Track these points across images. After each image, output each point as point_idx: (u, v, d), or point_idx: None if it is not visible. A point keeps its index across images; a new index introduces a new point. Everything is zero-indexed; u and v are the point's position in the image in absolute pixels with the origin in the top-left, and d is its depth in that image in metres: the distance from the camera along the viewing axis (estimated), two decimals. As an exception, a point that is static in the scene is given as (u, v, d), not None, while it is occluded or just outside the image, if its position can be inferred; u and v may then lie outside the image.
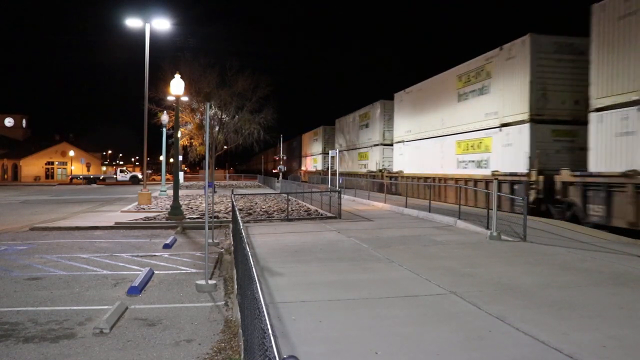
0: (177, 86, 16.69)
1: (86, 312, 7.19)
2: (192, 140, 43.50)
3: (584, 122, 14.77)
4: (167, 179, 46.59)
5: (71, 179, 67.00)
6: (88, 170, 75.85)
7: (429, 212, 16.78)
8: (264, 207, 21.20)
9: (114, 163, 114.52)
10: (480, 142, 20.57)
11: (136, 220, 18.13)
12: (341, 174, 39.74)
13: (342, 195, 18.77)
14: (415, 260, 9.38)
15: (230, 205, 20.41)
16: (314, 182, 41.27)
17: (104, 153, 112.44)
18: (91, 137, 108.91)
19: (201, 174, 76.78)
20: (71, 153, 76.92)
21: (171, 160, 58.72)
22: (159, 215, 19.13)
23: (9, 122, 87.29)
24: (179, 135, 23.91)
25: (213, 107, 40.06)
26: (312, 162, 58.71)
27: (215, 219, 16.28)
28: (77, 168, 76.14)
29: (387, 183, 27.54)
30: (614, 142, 13.37)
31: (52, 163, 78.14)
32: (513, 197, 16.72)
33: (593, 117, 14.17)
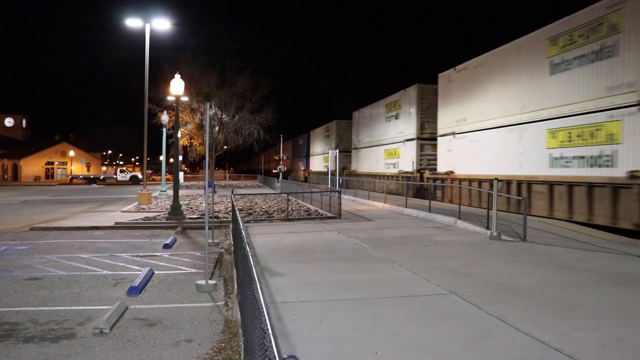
0: (177, 86, 16.70)
1: (86, 312, 7.19)
2: (192, 140, 43.47)
3: None
4: (167, 179, 46.58)
5: (71, 179, 67.02)
6: (88, 170, 75.89)
7: (429, 212, 16.78)
8: (264, 207, 21.20)
9: (114, 163, 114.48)
10: (598, 129, 14.63)
11: (136, 220, 18.13)
12: (359, 175, 36.49)
13: (342, 196, 18.77)
14: (415, 260, 9.37)
15: (230, 205, 20.41)
16: (325, 183, 35.91)
17: (104, 153, 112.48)
18: (91, 137, 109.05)
19: (201, 174, 76.86)
20: (71, 153, 76.95)
21: (171, 160, 58.77)
22: (159, 215, 19.13)
23: (9, 122, 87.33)
24: (179, 135, 23.90)
25: (213, 107, 40.04)
26: (322, 162, 51.96)
27: (215, 219, 16.28)
28: (77, 168, 76.17)
29: (430, 187, 22.39)
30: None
31: (52, 163, 78.17)
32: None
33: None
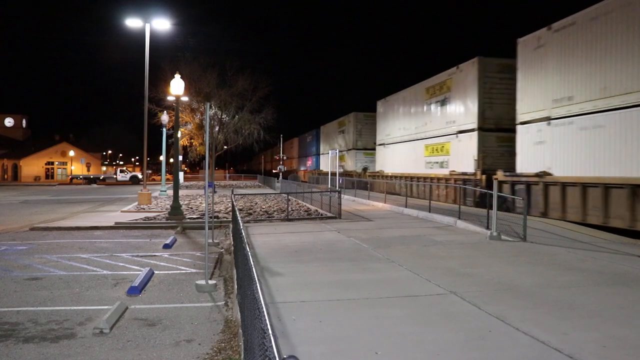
0: (177, 86, 16.71)
1: (86, 312, 7.19)
2: (192, 140, 43.51)
3: None
4: (167, 179, 46.59)
5: (71, 179, 67.05)
6: (88, 170, 75.91)
7: (429, 212, 16.78)
8: (264, 207, 21.20)
9: (114, 163, 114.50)
10: None
11: (136, 220, 18.13)
12: (387, 177, 30.50)
13: (342, 196, 18.78)
14: (415, 260, 9.37)
15: (230, 205, 20.42)
16: (350, 186, 30.33)
17: (104, 153, 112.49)
18: (91, 137, 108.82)
19: (201, 174, 76.89)
20: (71, 153, 76.99)
21: (171, 160, 58.80)
22: (159, 215, 19.13)
23: (9, 122, 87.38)
24: (179, 135, 23.92)
25: (213, 107, 40.07)
26: (336, 161, 43.45)
27: (215, 219, 16.28)
28: (77, 168, 76.20)
29: (514, 192, 17.46)
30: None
31: (52, 163, 78.21)
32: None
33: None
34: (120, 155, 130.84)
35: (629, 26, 13.57)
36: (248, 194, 27.04)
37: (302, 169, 63.35)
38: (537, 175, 16.76)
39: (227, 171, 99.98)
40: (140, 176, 61.59)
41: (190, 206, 22.60)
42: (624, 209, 13.06)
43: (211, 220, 12.96)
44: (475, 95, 21.28)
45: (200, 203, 24.38)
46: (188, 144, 44.14)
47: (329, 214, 17.82)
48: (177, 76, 16.75)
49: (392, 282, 7.61)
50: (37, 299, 7.89)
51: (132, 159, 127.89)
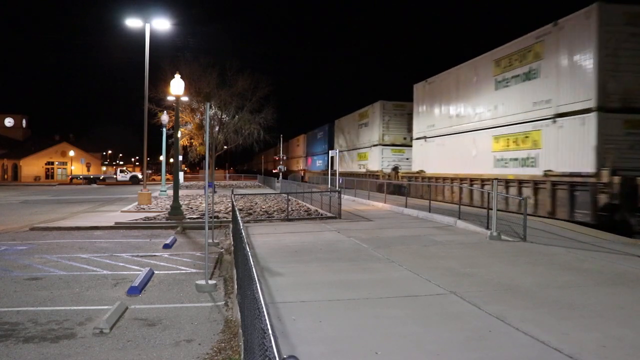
0: (177, 86, 16.71)
1: (86, 312, 7.19)
2: (192, 140, 43.49)
3: None
4: (167, 179, 46.58)
5: (71, 179, 67.04)
6: (88, 170, 75.87)
7: (429, 212, 16.78)
8: (264, 207, 21.20)
9: (114, 163, 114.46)
10: None
11: (136, 220, 18.13)
12: (433, 179, 24.37)
13: (342, 196, 18.78)
14: (415, 260, 9.37)
15: (230, 205, 20.41)
16: (376, 190, 26.97)
17: (104, 153, 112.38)
18: (91, 137, 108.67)
19: (201, 174, 76.82)
20: (71, 153, 76.96)
21: (171, 160, 58.74)
22: (159, 215, 19.13)
23: (9, 122, 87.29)
24: (179, 135, 23.92)
25: (213, 107, 40.05)
26: (355, 160, 38.98)
27: (215, 219, 16.28)
28: (77, 168, 76.17)
29: None
30: None
31: (52, 163, 78.18)
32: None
33: None
34: (120, 155, 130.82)
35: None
36: (248, 194, 27.04)
37: (312, 169, 55.10)
38: None
39: (227, 171, 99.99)
40: (140, 176, 61.58)
41: (190, 206, 22.60)
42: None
43: (211, 220, 12.96)
44: (590, 59, 15.00)
45: (200, 203, 24.38)
46: (188, 144, 44.12)
47: (329, 214, 17.82)
48: (177, 76, 16.75)
49: (392, 282, 7.61)
50: (37, 299, 7.89)
51: (132, 159, 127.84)
